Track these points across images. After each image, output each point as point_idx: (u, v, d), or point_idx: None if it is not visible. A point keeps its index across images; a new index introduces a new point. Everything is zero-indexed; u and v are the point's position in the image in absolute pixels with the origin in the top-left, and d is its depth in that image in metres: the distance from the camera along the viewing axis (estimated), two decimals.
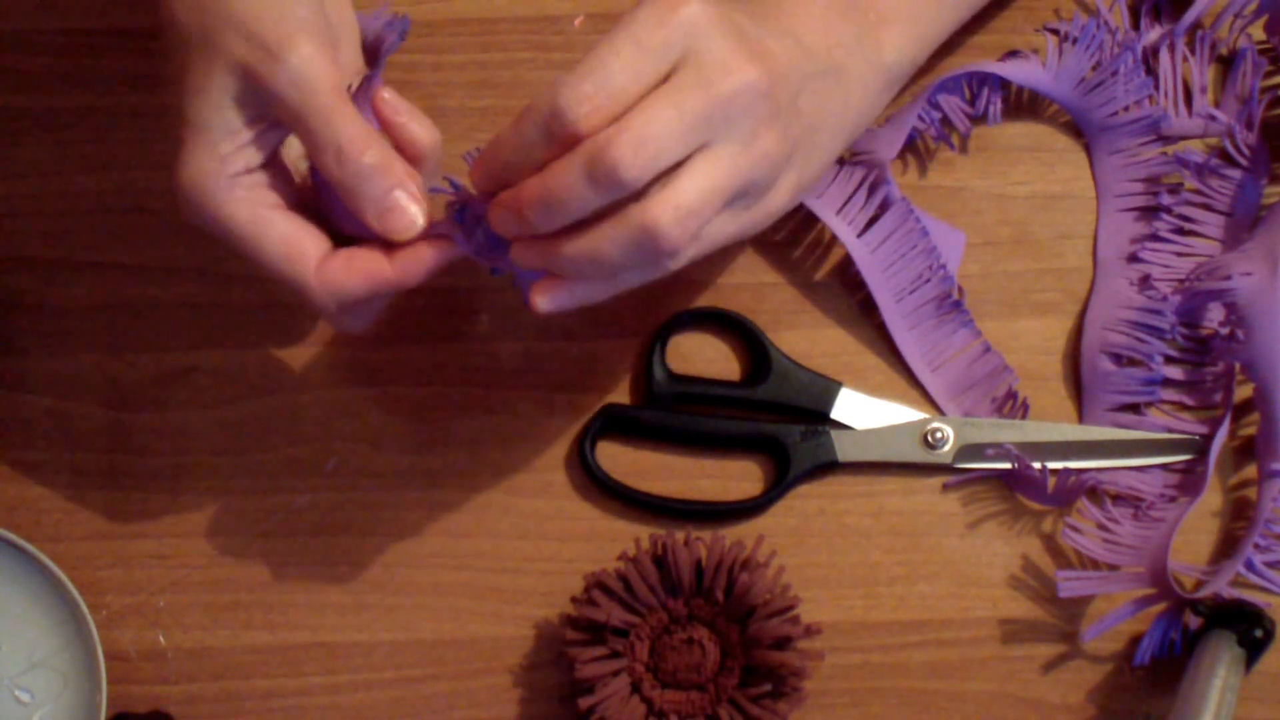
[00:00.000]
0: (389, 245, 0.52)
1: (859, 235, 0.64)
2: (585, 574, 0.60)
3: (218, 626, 0.63)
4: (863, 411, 0.64)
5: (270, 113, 0.50)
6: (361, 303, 0.52)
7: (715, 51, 0.48)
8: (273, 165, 0.52)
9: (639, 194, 0.48)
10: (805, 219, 0.65)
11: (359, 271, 0.51)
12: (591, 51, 0.48)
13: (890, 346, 0.65)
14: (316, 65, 0.49)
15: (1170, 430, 0.63)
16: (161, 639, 0.63)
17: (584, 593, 0.59)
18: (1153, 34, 0.66)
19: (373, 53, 0.57)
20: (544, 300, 0.51)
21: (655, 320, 0.64)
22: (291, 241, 0.51)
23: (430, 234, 0.52)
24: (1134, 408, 0.64)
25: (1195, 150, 0.65)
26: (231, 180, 0.50)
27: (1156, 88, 0.66)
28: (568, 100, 0.47)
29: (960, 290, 0.65)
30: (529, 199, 0.48)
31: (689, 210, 0.48)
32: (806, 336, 0.65)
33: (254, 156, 0.51)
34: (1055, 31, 0.66)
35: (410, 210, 0.51)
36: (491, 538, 0.63)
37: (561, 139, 0.48)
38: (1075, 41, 0.65)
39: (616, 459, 0.64)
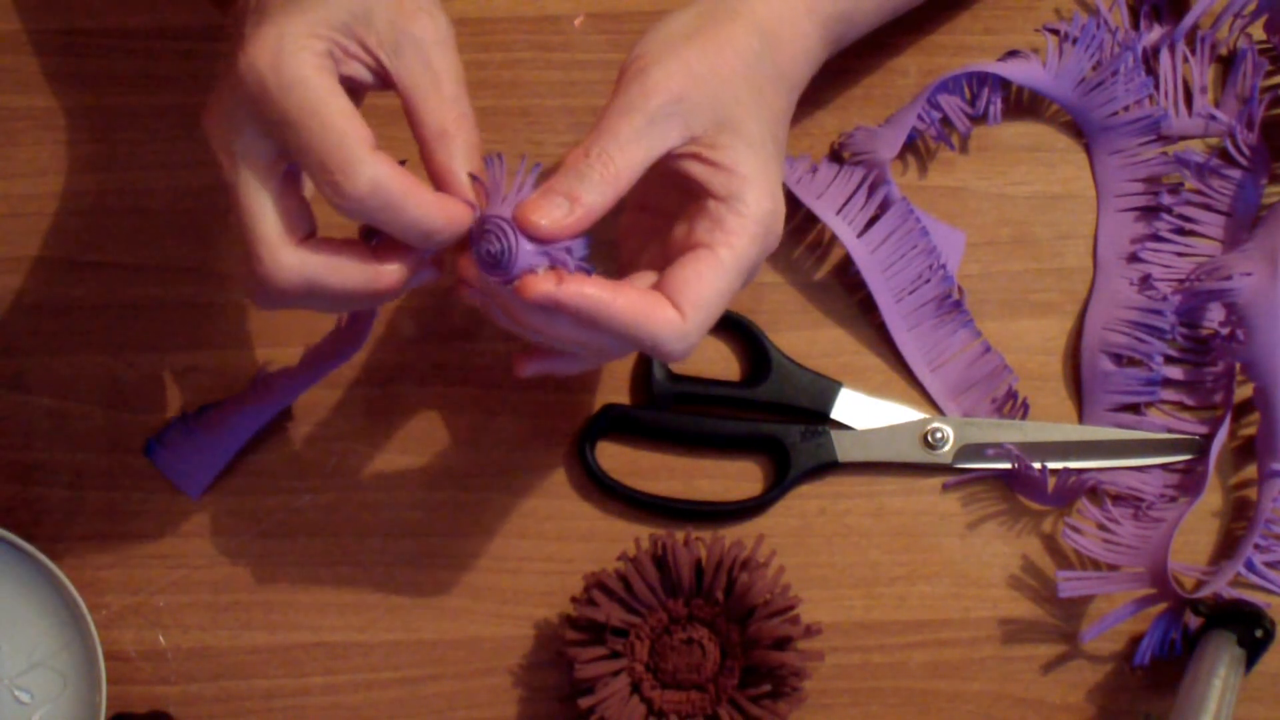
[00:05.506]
0: None
1: (859, 235, 0.64)
2: (585, 574, 0.60)
3: (218, 626, 0.63)
4: (863, 411, 0.64)
5: (391, 58, 0.50)
6: (382, 211, 0.49)
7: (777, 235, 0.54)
8: (349, 84, 0.51)
9: None
10: (805, 219, 0.65)
11: (407, 175, 0.49)
12: (703, 296, 0.51)
13: (890, 346, 0.65)
14: (452, 35, 0.51)
15: (1170, 430, 0.63)
16: (161, 639, 0.63)
17: (584, 593, 0.59)
18: (1153, 34, 0.66)
19: None
20: (527, 369, 0.55)
21: None
22: (354, 118, 0.49)
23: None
24: (1134, 408, 0.64)
25: (1195, 150, 0.65)
26: (328, 53, 0.49)
27: (1156, 88, 0.66)
28: (674, 347, 0.51)
29: (960, 290, 0.65)
30: (572, 342, 0.52)
31: (703, 333, 0.52)
32: (806, 336, 0.65)
33: (342, 63, 0.50)
34: (1055, 31, 0.66)
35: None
36: (491, 538, 0.63)
37: (649, 352, 0.52)
38: (1075, 41, 0.65)
39: (616, 459, 0.64)
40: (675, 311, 0.50)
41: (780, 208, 0.53)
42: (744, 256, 0.51)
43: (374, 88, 0.51)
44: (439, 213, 0.49)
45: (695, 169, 0.52)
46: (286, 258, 0.50)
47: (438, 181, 0.51)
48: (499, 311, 0.52)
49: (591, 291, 0.49)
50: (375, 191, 0.48)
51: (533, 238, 0.49)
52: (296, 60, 0.48)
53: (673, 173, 0.52)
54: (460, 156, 0.51)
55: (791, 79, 0.56)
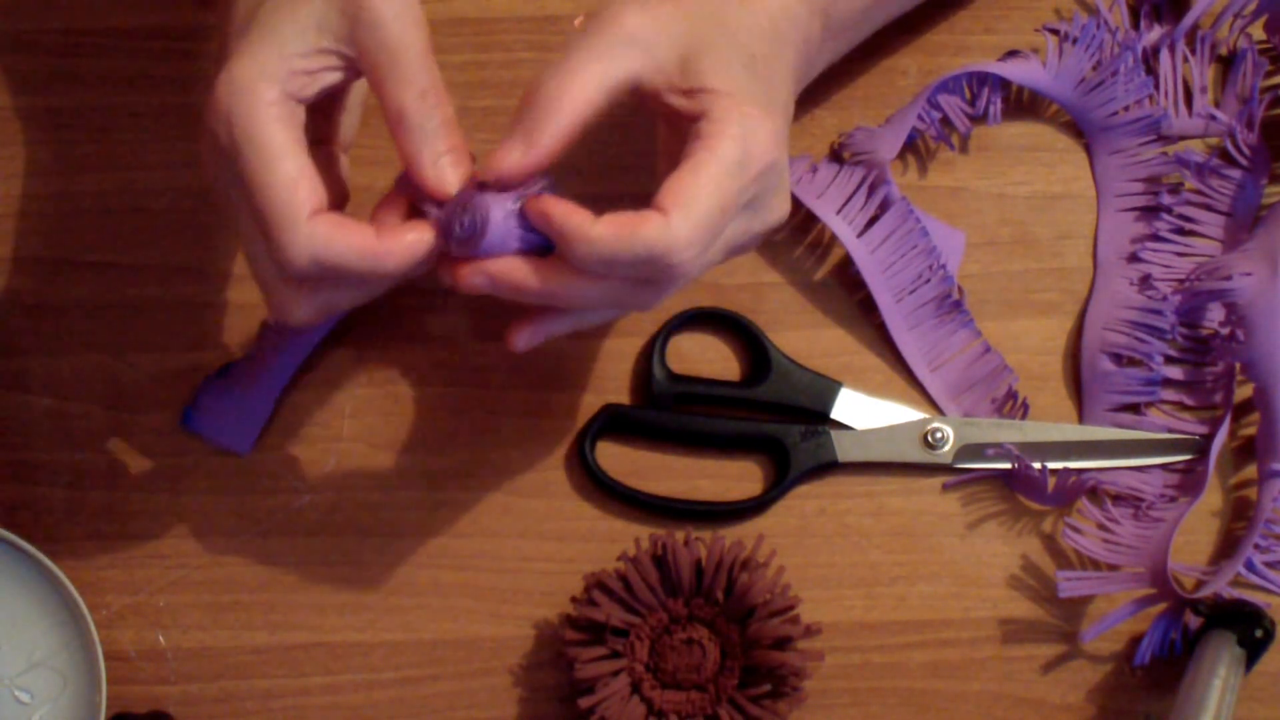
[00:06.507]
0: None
1: (859, 235, 0.64)
2: (585, 574, 0.60)
3: (218, 626, 0.63)
4: (863, 411, 0.64)
5: (351, 48, 0.50)
6: (329, 275, 0.50)
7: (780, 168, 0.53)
8: (314, 113, 0.52)
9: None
10: (805, 219, 0.65)
11: (350, 231, 0.49)
12: (686, 193, 0.49)
13: (890, 346, 0.65)
14: (417, 8, 0.50)
15: (1170, 430, 0.63)
16: (161, 639, 0.63)
17: (584, 593, 0.59)
18: (1153, 34, 0.66)
19: None
20: (522, 339, 0.53)
21: (655, 320, 0.64)
22: (302, 177, 0.49)
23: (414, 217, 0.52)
24: (1134, 408, 0.64)
25: (1195, 150, 0.65)
26: (282, 95, 0.49)
27: (1156, 88, 0.66)
28: (671, 248, 0.49)
29: (960, 290, 0.65)
30: (567, 295, 0.51)
31: (702, 242, 0.50)
32: (806, 336, 0.65)
33: (308, 86, 0.50)
34: (1055, 31, 0.66)
35: (457, 173, 0.51)
36: (491, 538, 0.63)
37: (654, 272, 0.50)
38: (1075, 41, 0.65)
39: (616, 459, 0.64)
40: (660, 214, 0.49)
41: (764, 122, 0.52)
42: (723, 155, 0.50)
43: (356, 78, 0.51)
44: (383, 254, 0.49)
45: (676, 100, 0.52)
46: (294, 295, 0.51)
47: (405, 167, 0.51)
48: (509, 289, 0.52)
49: (575, 212, 0.49)
50: (314, 261, 0.49)
51: (498, 188, 0.50)
52: (248, 119, 0.48)
53: (674, 130, 0.52)
54: (418, 137, 0.50)
55: (768, 28, 0.55)
